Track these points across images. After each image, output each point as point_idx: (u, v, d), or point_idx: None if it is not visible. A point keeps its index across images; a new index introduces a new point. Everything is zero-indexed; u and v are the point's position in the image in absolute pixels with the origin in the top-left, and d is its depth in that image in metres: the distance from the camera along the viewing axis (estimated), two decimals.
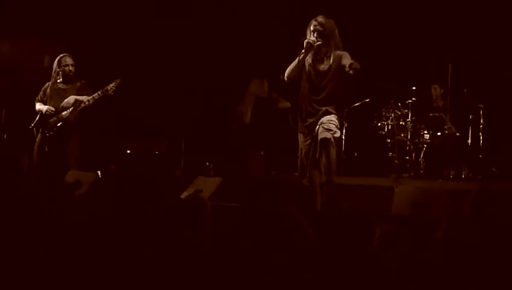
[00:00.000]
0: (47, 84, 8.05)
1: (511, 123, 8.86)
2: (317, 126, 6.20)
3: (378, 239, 3.46)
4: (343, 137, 8.94)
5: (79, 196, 5.51)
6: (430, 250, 3.44)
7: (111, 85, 7.74)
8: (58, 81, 7.96)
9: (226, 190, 7.09)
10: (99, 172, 7.44)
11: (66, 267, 3.45)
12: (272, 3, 9.57)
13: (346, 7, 8.95)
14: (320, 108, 6.26)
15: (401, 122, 8.82)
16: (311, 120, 6.30)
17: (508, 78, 8.91)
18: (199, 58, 9.96)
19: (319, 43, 6.22)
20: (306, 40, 6.20)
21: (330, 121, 6.16)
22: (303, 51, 6.20)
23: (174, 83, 9.91)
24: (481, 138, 8.53)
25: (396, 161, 8.60)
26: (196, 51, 10.00)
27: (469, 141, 8.62)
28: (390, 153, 8.75)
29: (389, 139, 8.82)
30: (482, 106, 8.53)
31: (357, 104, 8.99)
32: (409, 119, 8.73)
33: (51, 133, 7.78)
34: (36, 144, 7.84)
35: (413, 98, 8.76)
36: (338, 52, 6.28)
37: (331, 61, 6.25)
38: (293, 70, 6.32)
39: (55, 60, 8.04)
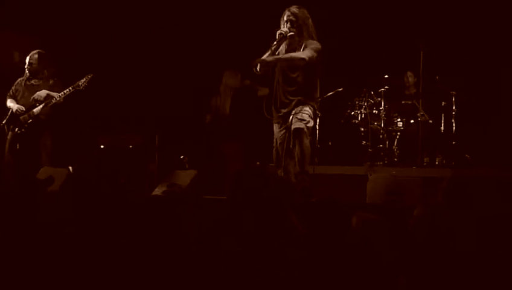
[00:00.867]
0: (19, 79, 7.99)
1: (483, 109, 8.93)
2: (291, 116, 6.20)
3: (354, 228, 3.47)
4: (317, 127, 8.94)
5: (52, 192, 5.47)
6: (404, 237, 3.46)
7: (82, 80, 7.69)
8: (29, 77, 7.91)
9: (201, 183, 7.08)
10: (70, 168, 7.38)
11: (40, 265, 3.42)
12: None
13: None
14: (293, 98, 6.25)
15: (374, 111, 8.83)
16: (284, 110, 6.30)
17: (479, 64, 8.98)
18: (171, 52, 9.91)
19: (291, 33, 6.21)
20: (279, 31, 6.19)
21: (303, 111, 6.17)
22: (275, 42, 6.18)
23: (147, 77, 9.84)
24: (454, 124, 8.58)
25: (370, 150, 8.62)
26: (168, 44, 9.94)
27: (442, 128, 8.68)
28: (364, 142, 8.76)
29: (362, 127, 8.84)
30: (454, 92, 8.58)
31: (331, 93, 8.98)
32: (382, 108, 8.75)
33: (22, 130, 7.71)
34: (7, 142, 7.78)
35: (385, 87, 8.77)
36: (310, 41, 6.27)
37: (302, 50, 6.24)
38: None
39: (25, 55, 7.98)
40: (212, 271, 3.29)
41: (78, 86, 7.68)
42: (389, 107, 8.80)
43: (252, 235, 3.43)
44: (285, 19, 6.22)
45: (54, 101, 7.70)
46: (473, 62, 9.00)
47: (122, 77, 9.78)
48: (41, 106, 7.72)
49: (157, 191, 7.22)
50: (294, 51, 6.27)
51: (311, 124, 6.21)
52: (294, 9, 6.23)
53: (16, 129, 7.73)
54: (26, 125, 7.71)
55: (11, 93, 7.95)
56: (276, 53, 6.29)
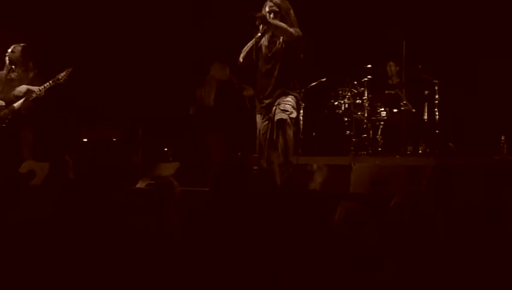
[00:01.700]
0: None
1: (466, 98, 8.95)
2: (274, 107, 6.19)
3: (339, 217, 3.47)
4: (301, 117, 8.94)
5: (34, 186, 5.44)
6: (387, 225, 3.46)
7: (62, 74, 7.65)
8: (9, 71, 7.83)
9: (184, 175, 7.06)
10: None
11: (22, 260, 3.40)
12: None
13: None
14: (276, 89, 6.24)
15: (357, 101, 8.85)
16: (267, 101, 6.29)
17: (462, 53, 8.99)
18: (153, 44, 9.85)
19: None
20: (258, 14, 6.17)
21: (286, 101, 6.17)
22: (259, 33, 6.17)
23: (129, 70, 9.79)
24: (437, 113, 8.60)
25: (354, 139, 8.63)
26: (152, 36, 9.88)
27: (425, 117, 8.69)
28: (348, 132, 8.78)
29: (346, 117, 8.85)
30: (437, 81, 8.59)
31: (314, 83, 8.99)
32: (366, 97, 8.76)
33: (3, 125, 7.65)
34: None
35: (368, 76, 8.79)
36: (294, 28, 6.26)
37: (282, 40, 6.25)
38: (248, 53, 6.29)
39: (5, 50, 7.91)
40: (196, 262, 3.28)
41: (58, 79, 7.64)
42: (372, 97, 8.82)
43: (235, 225, 3.42)
44: (267, 9, 6.20)
45: (34, 95, 7.65)
46: (455, 51, 9.01)
47: (104, 69, 9.71)
48: (21, 101, 7.66)
49: (141, 184, 7.21)
50: (275, 42, 6.29)
51: (294, 114, 6.21)
52: (276, 0, 6.21)
53: None
54: (7, 121, 7.65)
55: None
56: (260, 43, 6.28)
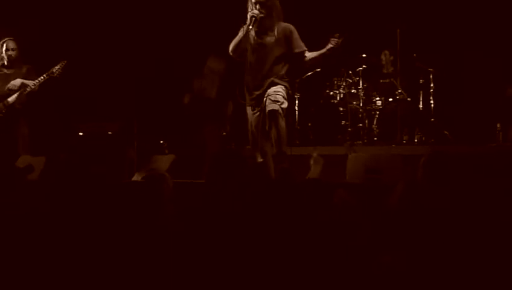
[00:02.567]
0: None
1: (461, 86, 8.95)
2: (265, 98, 6.18)
3: (336, 207, 3.47)
4: (296, 108, 8.94)
5: (31, 181, 5.43)
6: (385, 215, 3.46)
7: (56, 67, 7.63)
8: (2, 66, 7.80)
9: (180, 167, 7.06)
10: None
11: (19, 254, 3.39)
12: None
13: None
14: (266, 80, 6.24)
15: (352, 90, 8.85)
16: (257, 92, 6.28)
17: (456, 41, 8.99)
18: (149, 35, 9.82)
19: (262, 15, 6.18)
20: (250, 14, 6.16)
21: (277, 92, 6.16)
22: (248, 25, 6.16)
23: (123, 61, 9.75)
24: (432, 102, 8.60)
25: (349, 129, 8.63)
26: (145, 27, 9.84)
27: (420, 106, 8.69)
28: (344, 122, 8.77)
29: (341, 107, 8.84)
30: (431, 70, 8.59)
31: (309, 74, 8.98)
32: (361, 87, 8.76)
33: None
34: None
35: (363, 66, 8.79)
36: (283, 24, 6.29)
37: (276, 33, 6.24)
38: (238, 44, 6.29)
39: None
40: (191, 254, 3.28)
41: (53, 73, 7.62)
42: (367, 86, 8.81)
43: (230, 217, 3.42)
44: (253, 0, 6.19)
45: (28, 89, 7.63)
46: (450, 39, 9.01)
47: (98, 62, 9.68)
48: (16, 95, 7.65)
49: (137, 177, 7.19)
50: (266, 33, 6.28)
51: (285, 105, 6.19)
52: None
53: None
54: (1, 115, 7.64)
55: None
56: (249, 34, 6.28)
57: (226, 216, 3.43)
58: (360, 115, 8.73)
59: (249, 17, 6.15)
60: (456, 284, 3.07)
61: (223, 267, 3.17)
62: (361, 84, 8.76)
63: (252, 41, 6.32)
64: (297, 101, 8.96)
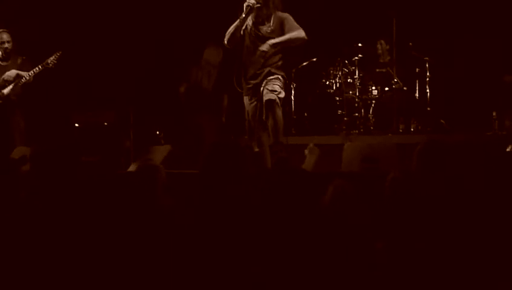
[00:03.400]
0: None
1: (457, 74, 8.95)
2: (262, 88, 6.18)
3: (331, 196, 3.47)
4: (293, 98, 8.93)
5: (26, 172, 5.41)
6: (380, 202, 3.46)
7: (51, 58, 7.61)
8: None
9: (176, 158, 7.05)
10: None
11: (13, 247, 3.39)
12: None
13: None
14: (263, 69, 6.23)
15: (349, 80, 8.86)
16: (254, 82, 6.28)
17: (452, 29, 8.98)
18: (145, 24, 9.77)
19: (258, 5, 6.18)
20: (246, 3, 6.16)
21: (274, 82, 6.16)
22: (243, 14, 6.16)
23: (118, 52, 9.72)
24: (428, 90, 8.60)
25: (345, 119, 8.63)
26: (141, 16, 9.80)
27: (416, 95, 8.69)
28: (340, 111, 8.77)
29: (337, 97, 8.84)
30: (427, 58, 8.59)
31: (305, 63, 8.98)
32: (357, 76, 8.75)
33: None
34: None
35: (359, 55, 8.78)
36: (279, 14, 6.28)
37: (272, 23, 6.24)
38: (233, 34, 6.28)
39: None
40: (187, 245, 3.28)
41: (47, 63, 7.60)
42: (363, 75, 8.81)
43: (225, 207, 3.42)
44: None
45: (23, 80, 7.62)
46: (445, 27, 8.99)
47: (93, 52, 9.64)
48: (11, 86, 7.63)
49: (133, 167, 7.19)
50: (262, 23, 6.27)
51: (282, 94, 6.20)
52: None
53: None
54: None
55: None
56: (245, 25, 6.28)
57: (223, 206, 3.42)
58: (356, 105, 8.73)
59: (244, 6, 6.15)
60: (450, 272, 3.08)
61: (220, 258, 3.17)
62: (357, 74, 8.75)
63: (249, 31, 6.31)
64: (293, 91, 8.96)
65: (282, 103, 6.25)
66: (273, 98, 6.08)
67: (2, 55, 7.78)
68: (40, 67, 7.62)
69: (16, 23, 8.35)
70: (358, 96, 8.71)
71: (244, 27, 6.31)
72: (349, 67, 8.88)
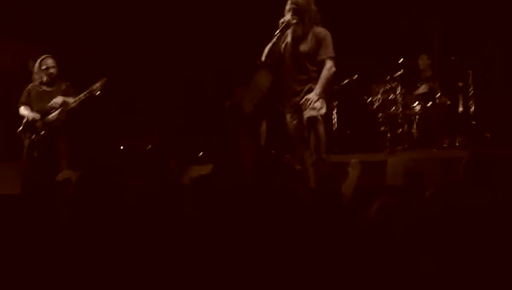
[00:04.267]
0: (30, 86, 7.92)
1: (501, 87, 8.83)
2: (303, 105, 6.16)
3: (376, 210, 3.45)
4: (335, 115, 8.91)
5: (69, 195, 5.47)
6: (424, 215, 3.42)
7: (96, 85, 7.65)
8: (41, 83, 7.87)
9: (219, 176, 7.04)
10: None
11: (64, 265, 3.42)
12: None
13: None
14: (304, 86, 6.22)
15: (391, 96, 8.79)
16: (296, 99, 6.26)
17: (494, 42, 8.87)
18: (189, 48, 9.86)
19: (294, 21, 6.19)
20: (281, 20, 6.18)
21: (315, 99, 6.14)
22: (278, 31, 6.17)
23: (160, 76, 9.82)
24: (472, 104, 8.49)
25: (389, 135, 8.57)
26: (185, 40, 9.89)
27: (460, 109, 8.59)
28: (383, 128, 8.72)
29: (380, 113, 8.79)
30: (470, 72, 8.49)
31: (346, 81, 8.96)
32: (399, 92, 8.69)
33: (39, 137, 7.70)
34: (25, 149, 7.75)
35: (401, 71, 8.72)
36: (318, 30, 6.26)
37: (309, 41, 6.23)
38: (270, 51, 6.29)
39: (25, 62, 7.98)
40: (236, 261, 3.28)
41: (93, 90, 7.65)
42: (405, 91, 8.75)
43: (271, 222, 3.41)
44: (287, 7, 6.21)
45: (69, 107, 7.69)
46: (487, 40, 8.89)
47: (137, 76, 9.75)
48: (56, 112, 7.71)
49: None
50: (299, 39, 6.25)
51: (323, 110, 6.18)
52: None
53: (33, 136, 7.72)
54: (42, 132, 7.70)
55: (23, 100, 7.92)
56: (283, 43, 6.30)
57: (268, 223, 3.42)
58: (399, 120, 8.66)
59: (280, 22, 6.17)
60: (496, 284, 3.02)
61: (271, 274, 3.16)
62: (399, 90, 8.69)
63: (289, 47, 6.32)
64: (335, 109, 8.93)
65: (324, 120, 6.23)
66: (315, 114, 6.06)
67: (46, 80, 7.87)
68: (86, 94, 7.67)
69: (57, 48, 8.49)
70: (401, 112, 8.64)
71: (284, 44, 6.31)
72: (391, 83, 8.82)
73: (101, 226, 3.56)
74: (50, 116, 7.72)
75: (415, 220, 3.43)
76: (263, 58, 6.34)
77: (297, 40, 6.29)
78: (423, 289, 3.04)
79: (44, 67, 7.84)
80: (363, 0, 9.37)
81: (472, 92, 8.50)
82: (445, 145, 8.30)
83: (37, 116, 7.72)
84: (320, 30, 6.26)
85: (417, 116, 8.63)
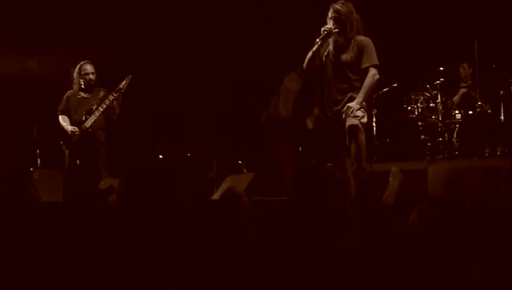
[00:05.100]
0: (69, 93, 7.98)
1: None
2: (344, 113, 6.15)
3: (415, 219, 3.45)
4: (374, 124, 8.87)
5: (113, 203, 5.53)
6: (466, 225, 3.41)
7: (122, 83, 7.66)
8: (80, 90, 7.93)
9: (259, 185, 7.09)
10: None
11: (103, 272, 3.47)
12: None
13: None
14: (345, 95, 6.22)
15: (431, 104, 8.73)
16: (337, 108, 6.26)
17: None
18: (226, 56, 9.91)
19: (336, 30, 6.20)
20: (323, 28, 6.19)
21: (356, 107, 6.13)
22: (319, 38, 6.18)
23: (200, 84, 9.89)
24: None
25: (429, 144, 8.51)
26: (223, 48, 9.94)
27: (502, 117, 8.50)
28: (423, 136, 8.67)
29: (420, 122, 8.74)
30: (511, 80, 8.41)
31: (385, 89, 8.92)
32: (439, 101, 8.63)
33: (79, 147, 7.74)
34: (66, 159, 7.81)
35: (441, 79, 8.67)
36: (360, 39, 6.25)
37: (351, 50, 6.23)
38: (310, 59, 6.30)
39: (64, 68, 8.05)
40: (274, 269, 3.29)
41: (120, 89, 7.65)
42: (445, 99, 8.68)
43: (314, 233, 3.42)
44: (329, 16, 6.22)
45: (101, 110, 7.68)
46: None
47: (176, 84, 9.83)
48: (93, 119, 7.73)
49: (215, 197, 7.28)
50: (341, 48, 6.25)
51: (365, 119, 6.16)
52: (337, 5, 6.21)
53: (74, 146, 7.75)
54: (81, 141, 7.73)
55: (62, 108, 7.96)
56: (325, 51, 6.31)
57: (310, 232, 3.43)
58: (439, 129, 8.60)
59: (321, 30, 6.18)
60: None
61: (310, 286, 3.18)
62: (439, 98, 8.63)
63: (330, 56, 6.32)
64: (374, 117, 8.90)
65: (364, 129, 6.22)
66: (356, 123, 6.04)
67: (84, 85, 7.91)
68: (114, 94, 7.67)
69: (95, 55, 8.56)
70: (441, 121, 8.58)
71: (326, 53, 6.33)
72: (431, 91, 8.76)
73: (147, 233, 3.61)
74: (86, 124, 7.72)
75: (453, 230, 3.42)
76: (304, 65, 6.34)
77: (339, 49, 6.29)
78: None
79: (83, 72, 7.89)
80: (404, 8, 9.32)
81: None
82: (486, 154, 8.21)
83: (75, 129, 7.77)
84: (362, 38, 6.26)
85: (457, 125, 8.55)
